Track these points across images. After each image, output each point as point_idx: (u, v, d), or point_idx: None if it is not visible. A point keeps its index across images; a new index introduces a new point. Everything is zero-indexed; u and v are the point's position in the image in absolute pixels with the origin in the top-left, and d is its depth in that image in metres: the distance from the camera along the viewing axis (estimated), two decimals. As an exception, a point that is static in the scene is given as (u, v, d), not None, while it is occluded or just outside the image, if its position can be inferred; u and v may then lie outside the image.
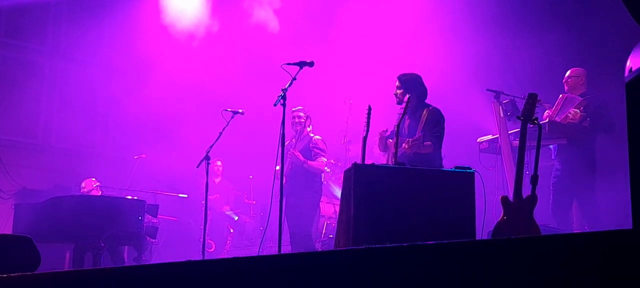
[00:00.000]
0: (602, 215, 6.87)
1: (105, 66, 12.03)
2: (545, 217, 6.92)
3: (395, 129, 5.60)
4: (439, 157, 6.04)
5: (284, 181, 6.04)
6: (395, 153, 5.49)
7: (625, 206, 2.66)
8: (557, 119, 7.22)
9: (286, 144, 6.23)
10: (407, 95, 5.92)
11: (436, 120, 6.08)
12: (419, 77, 6.27)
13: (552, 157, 7.37)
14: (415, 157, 5.80)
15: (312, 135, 8.00)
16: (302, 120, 7.91)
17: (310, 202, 7.80)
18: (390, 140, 5.96)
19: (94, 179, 9.71)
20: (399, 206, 4.90)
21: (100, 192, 9.60)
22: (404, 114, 5.70)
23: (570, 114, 7.08)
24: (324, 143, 8.02)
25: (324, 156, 7.89)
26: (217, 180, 11.02)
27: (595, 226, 6.77)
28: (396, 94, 6.22)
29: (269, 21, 10.61)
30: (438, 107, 6.19)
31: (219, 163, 10.98)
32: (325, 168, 8.20)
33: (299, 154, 7.74)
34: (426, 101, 6.26)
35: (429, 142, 5.89)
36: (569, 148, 7.09)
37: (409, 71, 6.35)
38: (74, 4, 11.67)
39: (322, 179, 8.10)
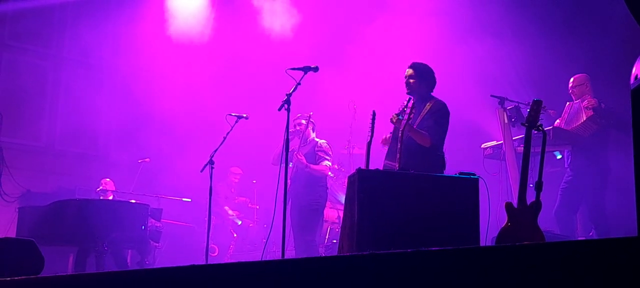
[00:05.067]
0: (613, 223, 6.87)
1: (110, 70, 12.05)
2: (550, 223, 6.93)
3: (400, 134, 5.57)
4: (441, 156, 5.86)
5: (288, 185, 6.01)
6: (400, 158, 5.47)
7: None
8: (565, 126, 7.25)
9: (290, 150, 6.22)
10: (411, 99, 5.88)
11: (441, 114, 5.88)
12: (432, 69, 6.10)
13: (565, 166, 7.38)
14: (414, 155, 5.68)
15: (316, 139, 8.01)
16: (303, 122, 7.91)
17: (314, 207, 7.79)
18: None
19: (110, 182, 9.80)
20: (402, 212, 4.89)
21: (110, 197, 9.64)
22: (408, 119, 5.65)
23: (586, 104, 7.11)
24: (329, 147, 8.02)
25: (328, 160, 7.89)
26: (233, 191, 11.00)
27: (603, 233, 6.77)
28: (408, 83, 6.01)
29: (273, 26, 10.62)
30: (443, 101, 5.99)
31: (236, 171, 10.92)
32: (329, 173, 8.19)
33: (303, 158, 7.74)
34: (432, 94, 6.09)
35: (425, 132, 5.72)
36: (582, 156, 7.10)
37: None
38: (78, 8, 11.68)
39: (327, 184, 8.08)
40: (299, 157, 7.72)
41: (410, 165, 5.36)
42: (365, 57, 9.80)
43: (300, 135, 7.89)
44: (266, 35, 10.65)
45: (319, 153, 7.88)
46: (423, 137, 5.73)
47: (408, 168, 5.27)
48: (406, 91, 6.05)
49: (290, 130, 6.09)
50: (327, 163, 7.89)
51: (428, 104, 5.92)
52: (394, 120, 5.75)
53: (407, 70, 6.08)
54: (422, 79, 6.02)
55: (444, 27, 9.25)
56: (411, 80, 6.02)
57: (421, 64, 6.10)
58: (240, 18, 11.03)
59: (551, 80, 8.38)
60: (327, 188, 8.08)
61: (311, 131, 8.03)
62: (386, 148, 6.02)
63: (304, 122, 7.93)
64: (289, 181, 6.24)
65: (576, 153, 7.21)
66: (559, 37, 8.60)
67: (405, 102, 5.80)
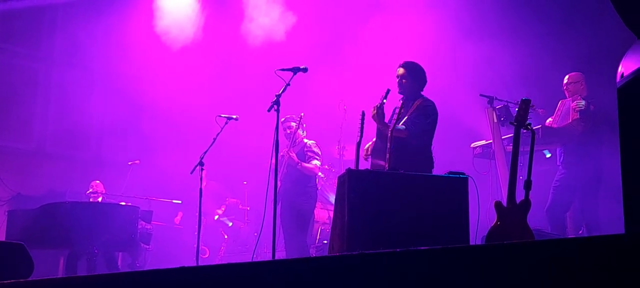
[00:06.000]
0: (605, 221, 6.89)
1: (100, 72, 12.01)
2: (539, 222, 6.95)
3: (389, 135, 5.57)
4: (429, 154, 5.87)
5: (278, 186, 6.00)
6: (390, 158, 5.48)
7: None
8: (556, 126, 7.28)
9: (280, 155, 6.22)
10: (402, 97, 5.91)
11: (425, 112, 5.87)
12: (423, 68, 6.08)
13: (558, 163, 7.40)
14: (401, 154, 5.69)
15: (305, 140, 8.02)
16: (294, 125, 7.92)
17: (304, 207, 7.80)
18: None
19: (100, 184, 9.77)
20: (392, 211, 4.90)
21: (100, 199, 9.61)
22: (399, 118, 5.67)
23: (574, 106, 7.16)
24: (318, 147, 8.03)
25: (317, 160, 7.90)
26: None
27: (595, 232, 6.79)
28: (401, 83, 5.99)
29: (263, 27, 10.61)
30: (432, 100, 5.99)
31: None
32: (319, 173, 8.19)
33: (294, 155, 7.76)
34: (422, 93, 6.09)
35: (403, 127, 5.73)
36: (575, 154, 7.11)
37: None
38: (69, 10, 11.64)
39: (317, 184, 8.09)
40: (290, 154, 7.73)
41: (397, 163, 5.37)
42: (355, 57, 9.80)
43: (291, 138, 7.90)
44: (257, 36, 10.63)
45: (308, 153, 7.90)
46: (401, 132, 5.71)
47: (397, 167, 5.28)
48: (398, 91, 6.04)
49: (281, 135, 6.09)
50: (317, 162, 7.90)
51: (416, 102, 5.92)
52: (374, 114, 5.74)
53: (399, 69, 6.05)
54: (414, 79, 6.00)
55: (434, 27, 9.26)
56: (404, 81, 6.00)
57: (413, 63, 6.08)
58: (232, 18, 11.01)
59: (546, 80, 8.38)
60: (317, 188, 8.10)
61: (301, 132, 8.03)
62: (369, 160, 6.01)
63: (293, 124, 7.93)
64: (279, 182, 6.24)
65: (569, 152, 7.22)
66: (549, 35, 8.61)
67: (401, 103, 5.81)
